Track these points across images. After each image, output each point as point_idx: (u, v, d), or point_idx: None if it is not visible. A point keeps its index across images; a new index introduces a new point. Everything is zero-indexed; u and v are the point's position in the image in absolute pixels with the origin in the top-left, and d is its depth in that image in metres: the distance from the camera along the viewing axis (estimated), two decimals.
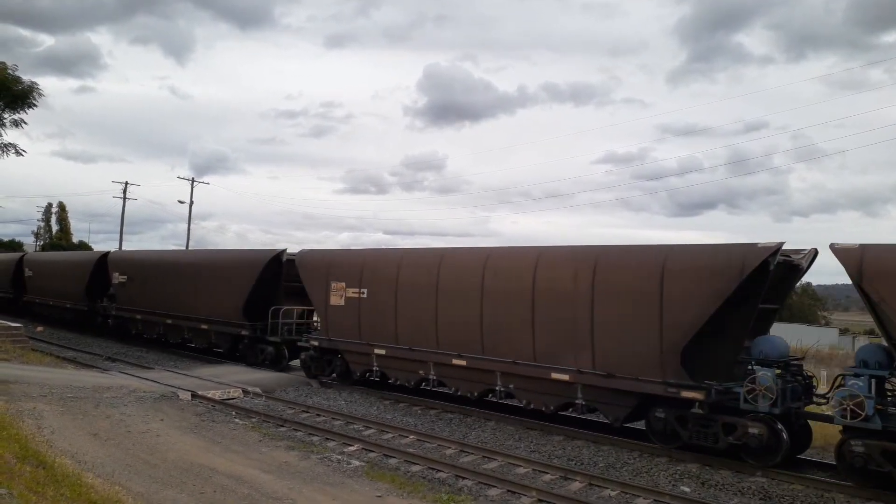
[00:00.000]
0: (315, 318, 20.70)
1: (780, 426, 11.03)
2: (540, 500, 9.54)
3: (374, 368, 17.11)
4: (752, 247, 11.48)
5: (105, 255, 29.71)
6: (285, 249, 21.05)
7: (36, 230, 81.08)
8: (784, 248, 11.52)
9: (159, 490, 8.75)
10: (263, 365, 20.63)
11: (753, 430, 11.12)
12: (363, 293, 17.27)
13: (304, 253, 20.00)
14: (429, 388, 16.11)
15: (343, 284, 17.77)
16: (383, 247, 21.01)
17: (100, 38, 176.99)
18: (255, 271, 20.95)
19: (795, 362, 12.24)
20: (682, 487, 10.48)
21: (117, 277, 27.58)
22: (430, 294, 15.82)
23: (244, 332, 21.21)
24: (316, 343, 18.55)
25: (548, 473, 10.90)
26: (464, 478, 10.42)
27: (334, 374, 18.45)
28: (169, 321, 24.33)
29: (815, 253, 12.65)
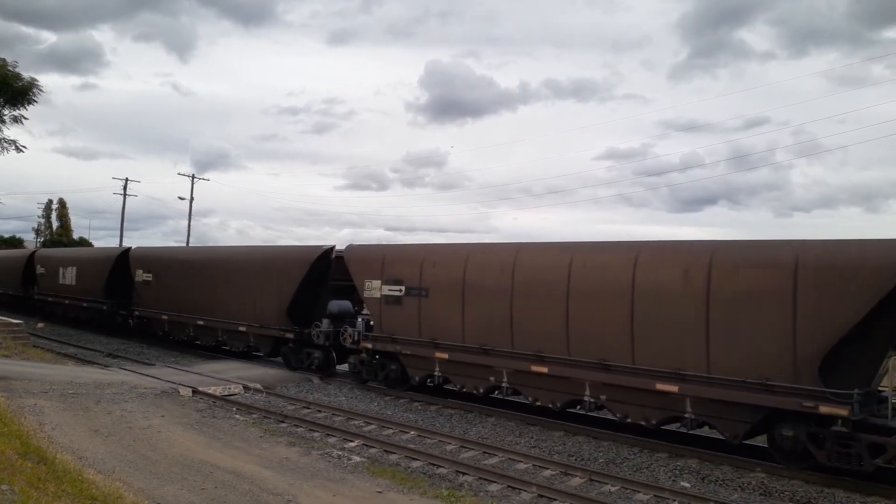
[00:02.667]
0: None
1: None
2: (540, 496, 9.56)
3: None
4: None
5: (328, 250, 19.14)
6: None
7: (36, 226, 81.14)
8: None
9: (160, 486, 8.77)
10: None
11: None
12: None
13: None
14: None
15: None
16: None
17: (103, 36, 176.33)
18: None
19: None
20: (682, 483, 10.50)
21: (378, 289, 16.81)
22: None
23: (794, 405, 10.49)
24: None
25: (548, 469, 10.92)
26: (464, 473, 10.44)
27: None
28: (542, 370, 13.48)
29: None
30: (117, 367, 19.58)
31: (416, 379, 16.27)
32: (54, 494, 6.42)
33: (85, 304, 28.71)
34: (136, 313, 25.74)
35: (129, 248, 27.42)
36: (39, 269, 33.37)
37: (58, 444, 9.86)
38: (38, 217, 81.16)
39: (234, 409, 14.51)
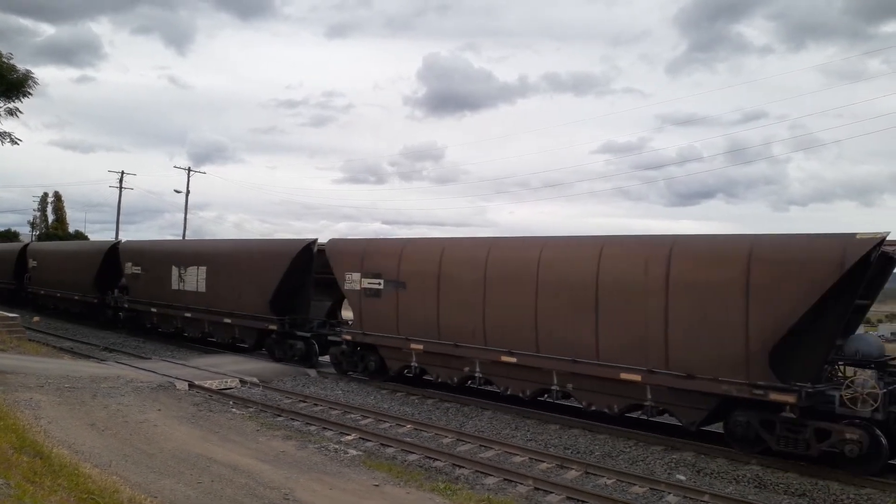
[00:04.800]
0: None
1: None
2: (536, 489, 9.59)
3: None
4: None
5: (878, 242, 10.01)
6: None
7: (32, 220, 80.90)
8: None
9: (156, 480, 8.77)
10: None
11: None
12: None
13: None
14: None
15: None
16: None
17: (101, 28, 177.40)
18: None
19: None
20: (677, 476, 10.54)
21: None
22: None
23: None
24: None
25: (544, 462, 10.96)
26: (461, 466, 10.47)
27: None
28: None
29: None
30: (113, 360, 19.55)
31: None
32: (50, 489, 6.41)
33: (227, 321, 21.10)
34: (348, 338, 17.79)
35: (314, 241, 19.41)
36: (132, 269, 25.74)
37: (54, 438, 9.84)
38: (34, 210, 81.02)
39: (231, 402, 14.51)
